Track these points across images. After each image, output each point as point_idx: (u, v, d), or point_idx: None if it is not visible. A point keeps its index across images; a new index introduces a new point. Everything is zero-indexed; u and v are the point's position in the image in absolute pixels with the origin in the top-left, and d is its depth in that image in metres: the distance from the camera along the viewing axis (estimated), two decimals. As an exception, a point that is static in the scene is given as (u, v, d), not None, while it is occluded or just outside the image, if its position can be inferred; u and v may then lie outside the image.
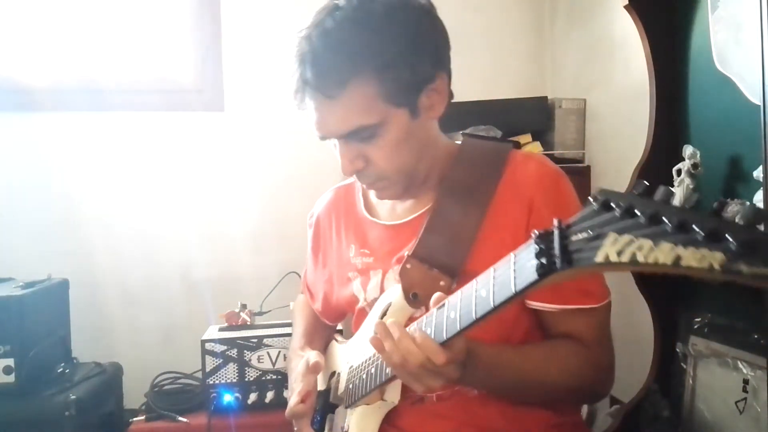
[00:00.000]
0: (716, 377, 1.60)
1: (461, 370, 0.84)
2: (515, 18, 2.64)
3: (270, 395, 1.82)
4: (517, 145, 1.08)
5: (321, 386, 1.17)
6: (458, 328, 0.75)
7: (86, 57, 2.42)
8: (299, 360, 1.14)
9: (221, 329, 1.92)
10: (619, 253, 0.48)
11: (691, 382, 1.68)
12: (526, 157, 1.05)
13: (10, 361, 1.72)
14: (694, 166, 1.60)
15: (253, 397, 1.82)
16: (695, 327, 1.67)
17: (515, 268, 0.63)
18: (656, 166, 1.71)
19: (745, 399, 1.51)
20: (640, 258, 0.47)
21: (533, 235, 0.59)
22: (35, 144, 2.33)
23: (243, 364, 1.82)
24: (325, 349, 1.25)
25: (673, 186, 1.65)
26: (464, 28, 2.59)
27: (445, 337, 0.78)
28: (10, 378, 1.72)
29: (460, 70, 2.84)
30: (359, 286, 1.12)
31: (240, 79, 2.43)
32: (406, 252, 1.03)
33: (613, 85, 2.17)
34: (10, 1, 2.36)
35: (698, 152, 1.61)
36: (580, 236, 0.53)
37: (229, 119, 2.44)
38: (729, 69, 1.56)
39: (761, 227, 0.44)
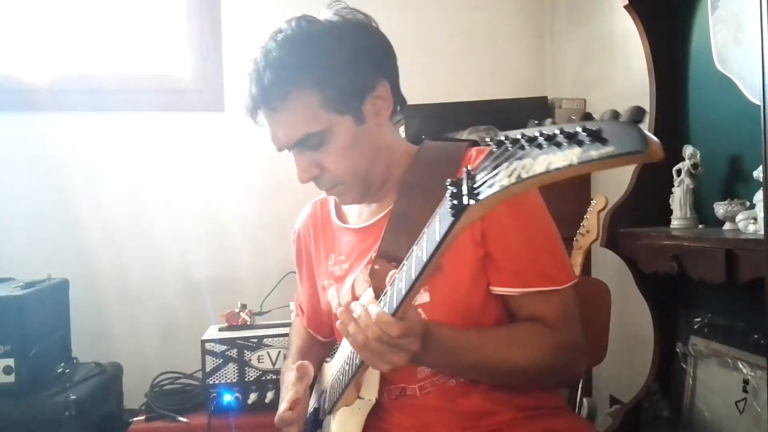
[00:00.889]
0: (716, 377, 1.60)
1: (420, 345, 0.87)
2: (515, 18, 2.64)
3: (270, 395, 1.81)
4: (474, 144, 1.10)
5: (313, 406, 1.19)
6: (404, 293, 0.79)
7: (86, 57, 2.42)
8: (291, 373, 1.17)
9: (221, 329, 1.92)
10: (509, 176, 0.56)
11: (691, 382, 1.68)
12: (479, 151, 1.08)
13: (10, 361, 1.72)
14: (694, 166, 1.60)
15: (253, 397, 1.82)
16: (695, 327, 1.67)
17: (439, 220, 0.70)
18: (656, 166, 1.71)
19: (745, 399, 1.51)
20: (524, 175, 0.54)
21: (447, 184, 0.65)
22: (35, 144, 2.33)
23: (243, 364, 1.82)
24: (319, 367, 1.27)
25: (673, 186, 1.65)
26: (464, 28, 2.60)
27: (395, 306, 0.81)
28: (10, 378, 1.72)
29: (460, 70, 2.86)
30: (334, 293, 1.17)
31: (240, 79, 2.42)
32: (373, 254, 1.06)
33: (613, 85, 2.17)
34: (11, 1, 2.37)
35: (698, 152, 1.61)
36: (483, 174, 0.60)
37: (229, 119, 2.44)
38: (729, 69, 1.56)
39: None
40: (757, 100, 1.41)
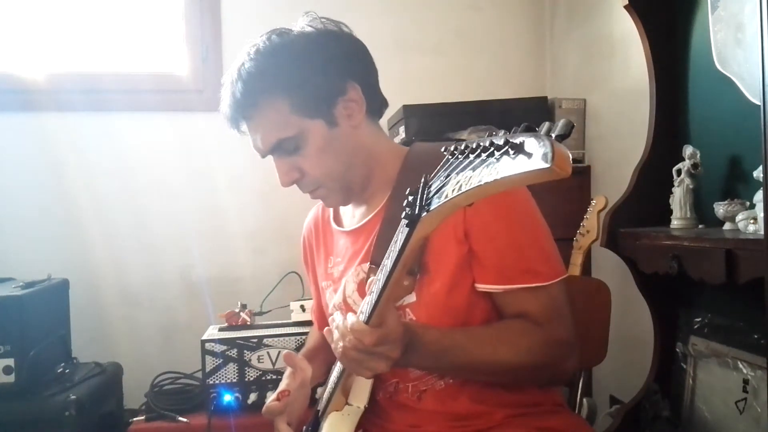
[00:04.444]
0: (716, 377, 1.60)
1: (400, 351, 0.88)
2: (515, 18, 2.64)
3: (270, 395, 1.81)
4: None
5: (317, 407, 1.21)
6: (374, 302, 0.81)
7: (86, 57, 2.42)
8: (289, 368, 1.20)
9: (221, 329, 1.92)
10: (453, 188, 0.57)
11: (691, 382, 1.68)
12: None
13: (10, 361, 1.72)
14: (694, 166, 1.60)
15: (253, 397, 1.81)
16: (695, 327, 1.67)
17: (401, 230, 0.71)
18: (656, 166, 1.71)
19: (745, 399, 1.51)
20: (465, 187, 0.55)
21: (407, 193, 0.66)
22: (35, 144, 2.33)
23: (243, 364, 1.82)
24: (328, 370, 1.28)
25: (673, 186, 1.65)
26: (464, 28, 2.60)
27: (368, 315, 0.83)
28: (10, 378, 1.71)
29: (460, 70, 2.85)
30: (331, 294, 1.20)
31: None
32: (364, 255, 1.08)
33: (613, 85, 2.17)
34: (11, 0, 2.37)
35: (698, 152, 1.61)
36: (437, 183, 0.61)
37: (229, 119, 2.44)
38: (729, 69, 1.56)
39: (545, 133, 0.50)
40: (757, 100, 1.41)
